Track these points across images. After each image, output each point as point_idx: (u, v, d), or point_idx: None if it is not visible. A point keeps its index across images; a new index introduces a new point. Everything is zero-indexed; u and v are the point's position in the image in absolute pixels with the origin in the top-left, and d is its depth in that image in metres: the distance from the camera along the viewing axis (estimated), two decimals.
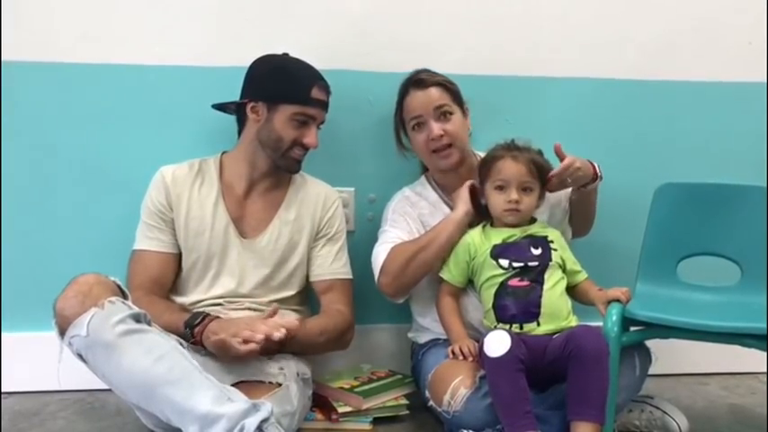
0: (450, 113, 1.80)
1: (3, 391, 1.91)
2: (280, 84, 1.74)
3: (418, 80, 1.83)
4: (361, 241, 2.01)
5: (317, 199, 1.86)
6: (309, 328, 1.70)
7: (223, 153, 1.86)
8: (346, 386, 1.79)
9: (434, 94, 1.80)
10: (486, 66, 2.01)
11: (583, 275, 1.76)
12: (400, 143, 1.92)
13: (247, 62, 1.78)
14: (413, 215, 1.86)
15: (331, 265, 1.86)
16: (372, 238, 1.96)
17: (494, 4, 2.06)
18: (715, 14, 2.14)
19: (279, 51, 1.78)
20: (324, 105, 1.77)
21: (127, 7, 1.93)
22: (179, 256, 1.78)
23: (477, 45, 2.05)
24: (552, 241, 1.74)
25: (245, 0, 1.97)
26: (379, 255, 1.81)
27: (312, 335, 1.70)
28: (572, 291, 1.74)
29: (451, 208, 1.84)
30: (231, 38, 1.95)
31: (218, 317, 1.60)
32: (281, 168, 1.79)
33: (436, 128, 1.78)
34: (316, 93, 1.74)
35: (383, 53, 2.01)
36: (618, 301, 1.63)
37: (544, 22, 2.08)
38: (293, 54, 1.79)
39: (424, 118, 1.80)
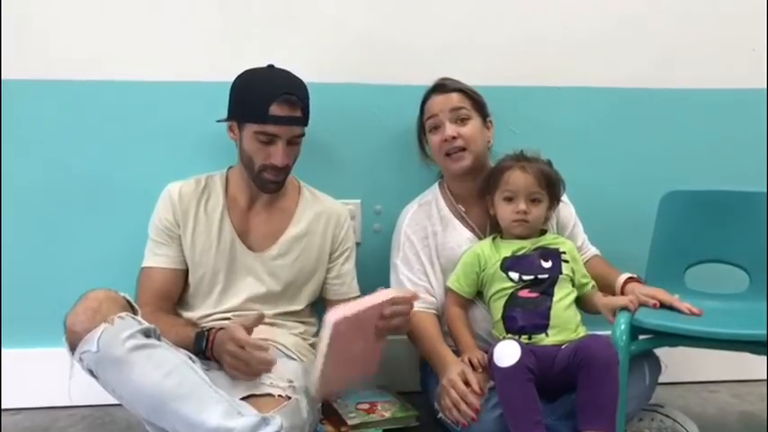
0: (467, 118, 1.80)
1: (12, 407, 1.92)
2: (241, 102, 1.71)
3: (440, 85, 1.84)
4: (367, 253, 2.02)
5: (329, 216, 1.86)
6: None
7: (230, 168, 1.87)
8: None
9: (454, 97, 1.81)
10: (491, 77, 2.01)
11: (590, 286, 1.76)
12: (423, 152, 1.93)
13: None
14: (424, 242, 1.84)
15: (349, 285, 1.90)
16: (379, 250, 1.98)
17: (498, 15, 2.07)
18: (718, 22, 2.14)
19: (283, 65, 1.77)
20: (287, 121, 1.67)
21: (130, 24, 1.95)
22: (186, 272, 1.79)
23: (483, 56, 2.06)
24: (564, 252, 1.73)
25: (249, 15, 1.99)
26: None
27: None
28: (578, 300, 1.74)
29: (464, 222, 1.85)
30: (236, 52, 1.97)
31: (221, 328, 1.60)
32: (260, 190, 1.77)
33: (450, 129, 1.78)
34: (275, 109, 1.65)
35: (389, 66, 2.02)
36: (626, 308, 1.63)
37: (549, 32, 2.09)
38: (298, 66, 1.78)
39: (440, 119, 1.80)
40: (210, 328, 1.61)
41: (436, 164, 1.90)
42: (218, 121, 1.79)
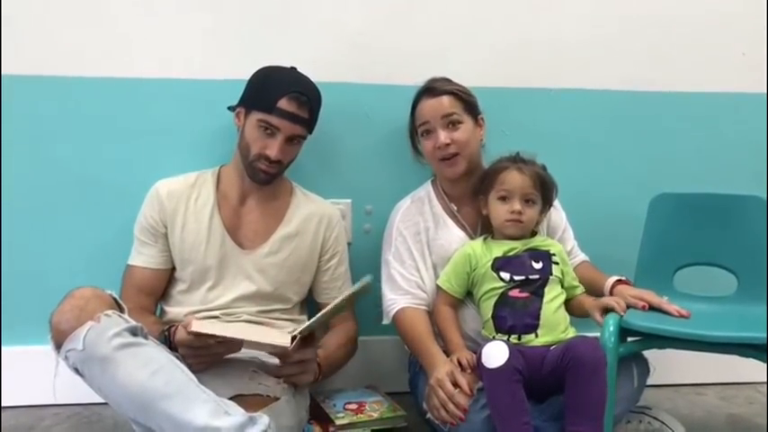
0: (459, 122, 1.79)
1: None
2: (253, 90, 1.75)
3: (430, 88, 1.83)
4: (358, 253, 2.01)
5: (321, 217, 1.86)
6: (329, 347, 1.78)
7: (221, 166, 1.86)
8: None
9: (445, 102, 1.80)
10: (481, 78, 2.01)
11: (580, 290, 1.76)
12: (416, 150, 1.92)
13: (244, 75, 1.78)
14: (416, 238, 1.84)
15: (341, 288, 1.89)
16: (369, 250, 1.97)
17: (490, 17, 2.07)
18: (709, 26, 2.15)
19: (275, 63, 1.79)
20: (292, 117, 1.70)
21: (124, 21, 1.94)
22: (170, 270, 1.79)
23: (474, 58, 2.06)
24: (554, 254, 1.74)
25: (242, 14, 1.98)
26: (389, 307, 1.81)
27: (333, 352, 1.79)
28: (567, 304, 1.74)
29: (456, 220, 1.84)
30: (228, 51, 1.96)
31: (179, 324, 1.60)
32: (251, 179, 1.77)
33: (443, 136, 1.78)
34: (283, 103, 1.69)
35: (380, 66, 2.02)
36: (612, 310, 1.63)
37: (540, 34, 2.10)
38: (290, 64, 1.80)
39: (431, 125, 1.80)
40: (171, 326, 1.61)
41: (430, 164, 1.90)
42: (229, 108, 1.79)
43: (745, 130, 2.18)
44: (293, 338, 1.53)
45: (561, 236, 1.90)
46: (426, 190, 1.91)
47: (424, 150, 1.86)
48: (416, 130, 1.87)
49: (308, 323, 1.58)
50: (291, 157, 1.79)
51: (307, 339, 1.58)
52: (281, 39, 1.98)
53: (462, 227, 1.85)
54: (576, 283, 1.76)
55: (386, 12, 2.03)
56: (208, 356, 1.56)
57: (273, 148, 1.71)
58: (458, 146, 1.78)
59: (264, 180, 1.77)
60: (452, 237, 1.83)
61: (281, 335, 1.56)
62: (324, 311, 1.61)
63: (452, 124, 1.79)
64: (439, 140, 1.78)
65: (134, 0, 1.94)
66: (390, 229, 1.88)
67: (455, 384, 1.58)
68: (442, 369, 1.61)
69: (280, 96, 1.70)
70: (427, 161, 1.88)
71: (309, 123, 1.76)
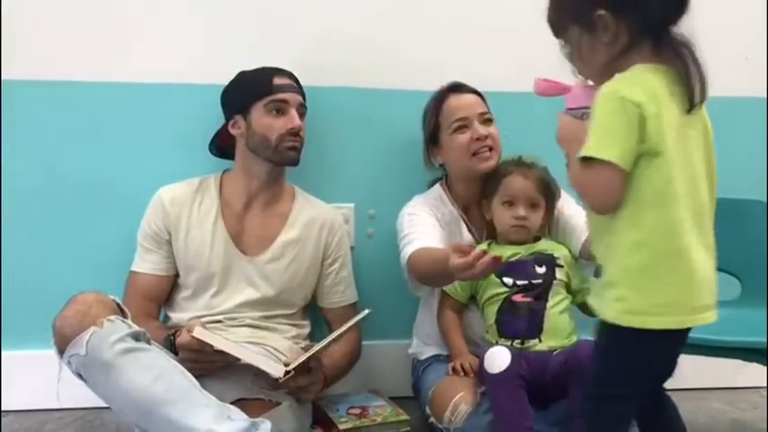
0: (491, 121, 1.81)
1: (2, 409, 1.91)
2: (242, 90, 1.78)
3: (457, 85, 1.84)
4: (361, 257, 2.01)
5: (323, 222, 1.86)
6: (334, 356, 1.76)
7: (224, 171, 1.86)
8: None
9: (476, 100, 1.82)
10: (483, 82, 2.00)
11: None
12: (428, 153, 1.89)
13: None
14: (431, 212, 1.81)
15: (344, 293, 1.89)
16: (372, 255, 1.98)
17: (489, 21, 2.07)
18: (712, 30, 2.14)
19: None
20: (292, 88, 1.77)
21: (125, 25, 1.94)
22: (174, 277, 1.80)
23: (476, 62, 2.06)
24: (558, 258, 1.73)
25: (245, 19, 1.98)
26: (404, 258, 1.73)
27: (338, 361, 1.77)
28: (586, 306, 1.71)
29: (468, 227, 1.84)
30: (229, 55, 1.96)
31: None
32: (283, 164, 1.78)
33: (482, 129, 1.77)
34: (277, 80, 1.75)
35: (382, 70, 2.02)
36: None
37: (540, 38, 2.08)
38: (292, 69, 1.81)
39: (469, 120, 1.79)
40: (176, 331, 1.61)
41: (441, 166, 1.88)
42: (225, 125, 1.81)
43: (749, 134, 2.17)
44: (287, 371, 1.51)
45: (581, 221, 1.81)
46: (438, 192, 1.88)
47: (452, 146, 1.81)
48: (439, 129, 1.83)
49: (304, 356, 1.54)
50: (303, 134, 1.79)
51: (301, 369, 1.55)
52: (286, 44, 1.98)
53: (470, 231, 1.85)
54: (587, 285, 1.72)
55: (389, 17, 2.03)
56: (204, 363, 1.56)
57: (292, 120, 1.74)
58: (493, 141, 1.78)
59: (295, 157, 1.78)
60: (462, 240, 1.82)
61: (275, 366, 1.55)
62: (320, 345, 1.57)
63: (487, 121, 1.80)
64: (478, 132, 1.76)
65: (138, 4, 1.95)
66: (402, 218, 1.82)
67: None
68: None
69: (271, 77, 1.75)
70: (452, 159, 1.83)
71: (303, 93, 1.81)
